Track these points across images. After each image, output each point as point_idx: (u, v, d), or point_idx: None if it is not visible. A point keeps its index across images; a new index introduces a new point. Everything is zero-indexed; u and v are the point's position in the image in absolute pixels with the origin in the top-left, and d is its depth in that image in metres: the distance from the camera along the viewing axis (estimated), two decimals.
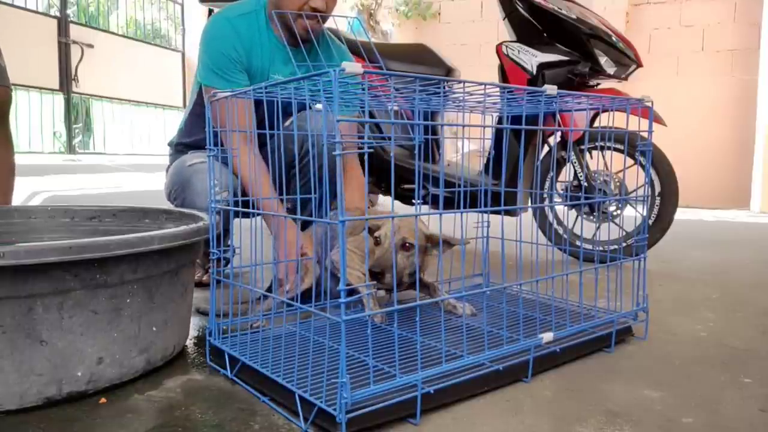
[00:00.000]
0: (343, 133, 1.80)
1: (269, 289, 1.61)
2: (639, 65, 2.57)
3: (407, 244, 1.48)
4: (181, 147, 2.00)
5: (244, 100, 1.55)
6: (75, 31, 6.02)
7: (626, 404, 1.12)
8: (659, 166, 2.37)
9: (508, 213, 2.32)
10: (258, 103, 1.70)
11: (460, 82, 1.12)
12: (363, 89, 1.08)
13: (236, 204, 1.44)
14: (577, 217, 2.53)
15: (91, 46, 6.12)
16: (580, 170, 2.45)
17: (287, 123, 1.91)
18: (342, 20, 2.02)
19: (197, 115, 1.89)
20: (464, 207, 1.54)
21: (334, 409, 0.95)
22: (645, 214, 1.74)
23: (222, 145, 1.37)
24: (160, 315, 1.21)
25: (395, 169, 2.67)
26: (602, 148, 2.44)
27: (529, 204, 2.68)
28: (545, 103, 1.33)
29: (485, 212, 1.47)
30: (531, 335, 1.29)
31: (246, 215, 1.64)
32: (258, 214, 1.42)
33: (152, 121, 7.15)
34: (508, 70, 2.59)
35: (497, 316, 1.53)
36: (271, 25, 1.82)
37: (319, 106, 2.09)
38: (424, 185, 2.61)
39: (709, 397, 1.15)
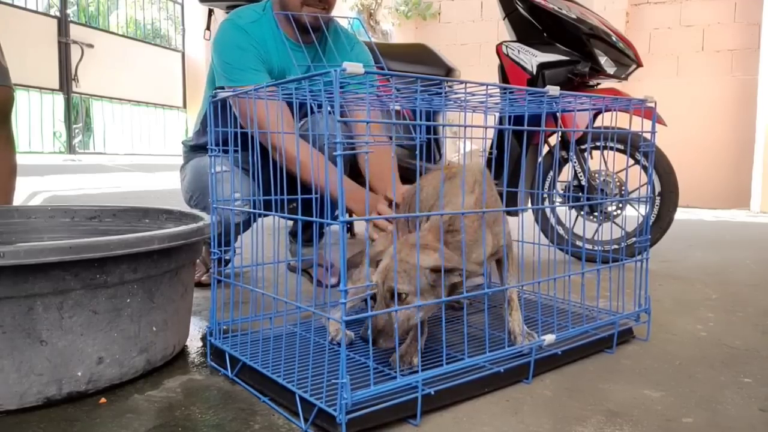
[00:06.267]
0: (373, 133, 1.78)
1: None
2: (639, 65, 2.57)
3: (401, 294, 1.08)
4: (197, 147, 2.01)
5: (271, 100, 1.52)
6: (75, 31, 6.01)
7: (626, 404, 1.12)
8: (659, 165, 2.37)
9: (509, 213, 2.32)
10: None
11: (461, 82, 1.12)
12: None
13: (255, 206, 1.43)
14: (577, 217, 2.53)
15: (91, 46, 6.12)
16: (580, 170, 2.45)
17: (299, 124, 1.91)
18: (342, 20, 2.02)
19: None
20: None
21: (335, 410, 0.95)
22: (647, 214, 1.74)
23: (238, 146, 1.35)
24: (160, 315, 1.21)
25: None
26: (603, 148, 2.45)
27: (530, 204, 2.68)
28: (547, 104, 1.33)
29: (486, 212, 1.47)
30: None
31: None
32: (285, 217, 1.40)
33: (152, 121, 7.15)
34: (508, 70, 2.59)
35: (499, 317, 1.52)
36: (280, 26, 1.82)
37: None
38: None
39: (709, 397, 1.15)
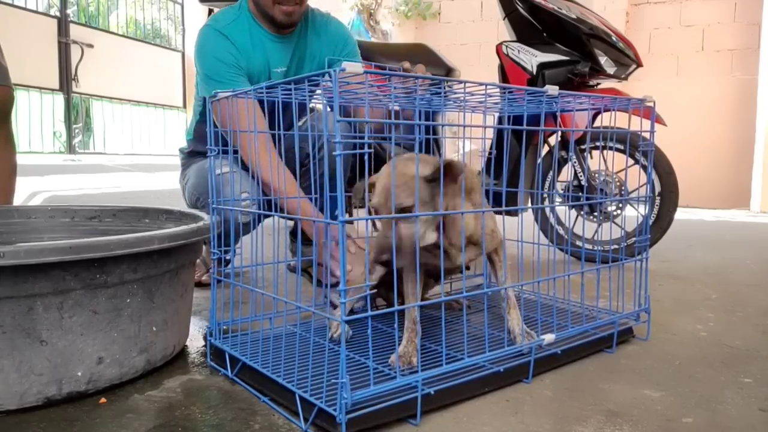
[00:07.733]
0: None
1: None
2: (639, 65, 2.57)
3: (404, 208, 1.05)
4: (195, 153, 2.03)
5: (247, 101, 1.54)
6: (75, 31, 6.01)
7: (626, 404, 1.12)
8: (659, 165, 2.37)
9: (508, 213, 2.32)
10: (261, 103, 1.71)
11: (461, 82, 1.12)
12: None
13: (260, 207, 1.44)
14: (577, 217, 2.53)
15: (91, 46, 6.12)
16: (580, 170, 2.45)
17: (300, 123, 1.91)
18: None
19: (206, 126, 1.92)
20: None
21: (335, 410, 0.95)
22: (647, 214, 1.74)
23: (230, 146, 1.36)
24: (160, 315, 1.21)
25: None
26: (603, 148, 2.45)
27: (530, 204, 2.68)
28: (546, 103, 1.33)
29: (486, 212, 1.47)
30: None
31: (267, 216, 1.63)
32: (286, 218, 1.41)
33: (152, 121, 7.15)
34: (508, 70, 2.59)
35: (498, 317, 1.52)
36: (258, 21, 1.82)
37: (319, 106, 2.09)
38: None
39: (709, 397, 1.15)
